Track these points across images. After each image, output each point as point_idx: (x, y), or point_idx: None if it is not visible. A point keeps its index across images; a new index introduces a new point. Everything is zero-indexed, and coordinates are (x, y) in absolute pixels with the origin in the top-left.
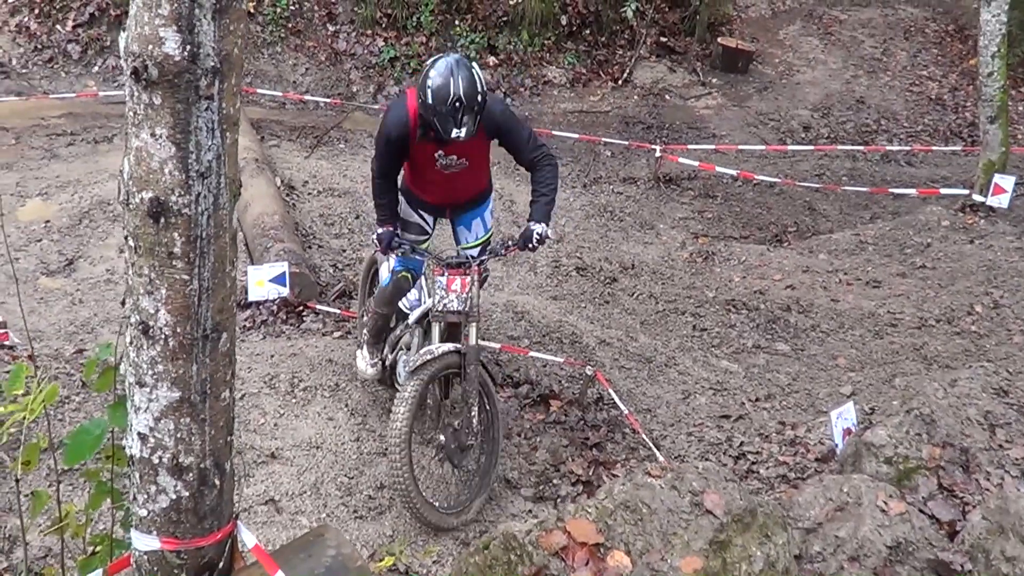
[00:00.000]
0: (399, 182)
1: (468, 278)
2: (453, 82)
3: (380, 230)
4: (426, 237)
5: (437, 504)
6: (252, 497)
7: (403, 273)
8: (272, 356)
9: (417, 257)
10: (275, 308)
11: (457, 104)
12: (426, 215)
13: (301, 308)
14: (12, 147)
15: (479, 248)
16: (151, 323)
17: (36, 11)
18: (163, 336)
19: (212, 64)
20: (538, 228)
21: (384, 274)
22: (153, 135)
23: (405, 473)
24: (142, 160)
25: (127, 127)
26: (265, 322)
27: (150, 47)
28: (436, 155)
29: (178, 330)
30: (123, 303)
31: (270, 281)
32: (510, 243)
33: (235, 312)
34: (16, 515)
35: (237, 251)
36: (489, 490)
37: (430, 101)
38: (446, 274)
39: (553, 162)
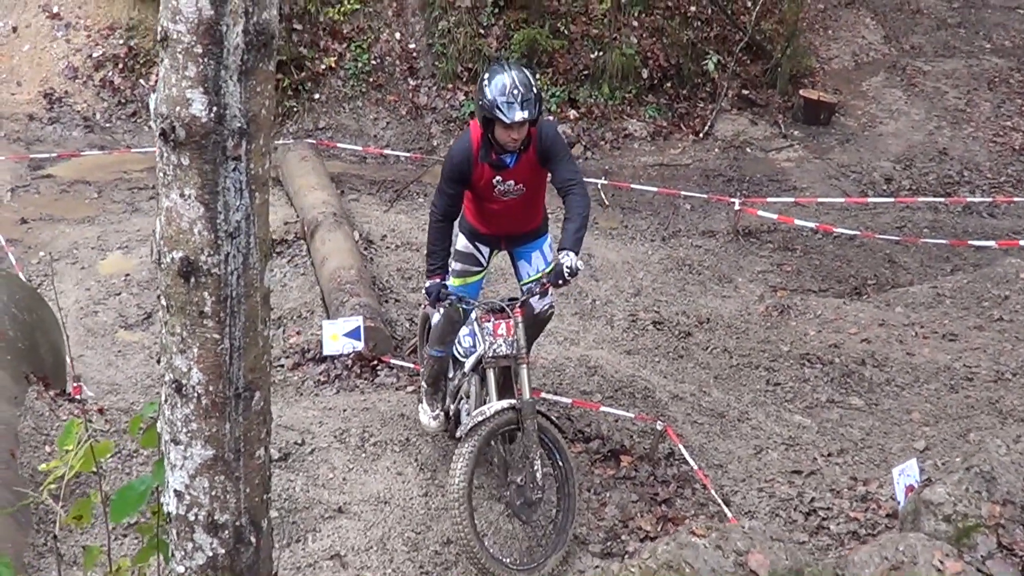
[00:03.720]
0: (458, 220)
1: (511, 320)
2: (508, 75)
3: (428, 283)
4: (480, 269)
5: (508, 561)
6: (318, 552)
7: (454, 304)
8: (344, 410)
9: (464, 307)
10: (349, 362)
11: (515, 92)
12: (482, 247)
13: (375, 362)
14: (94, 201)
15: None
16: (184, 381)
17: (120, 66)
18: (196, 394)
19: (239, 125)
20: (567, 260)
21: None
22: (182, 195)
23: (467, 529)
24: (172, 220)
25: (158, 187)
26: (339, 376)
27: (178, 108)
28: (494, 180)
29: (210, 388)
30: (158, 361)
31: (345, 335)
32: (544, 279)
33: (269, 371)
34: (76, 569)
35: (270, 311)
36: (566, 547)
37: (489, 95)
38: (491, 319)
39: (585, 192)
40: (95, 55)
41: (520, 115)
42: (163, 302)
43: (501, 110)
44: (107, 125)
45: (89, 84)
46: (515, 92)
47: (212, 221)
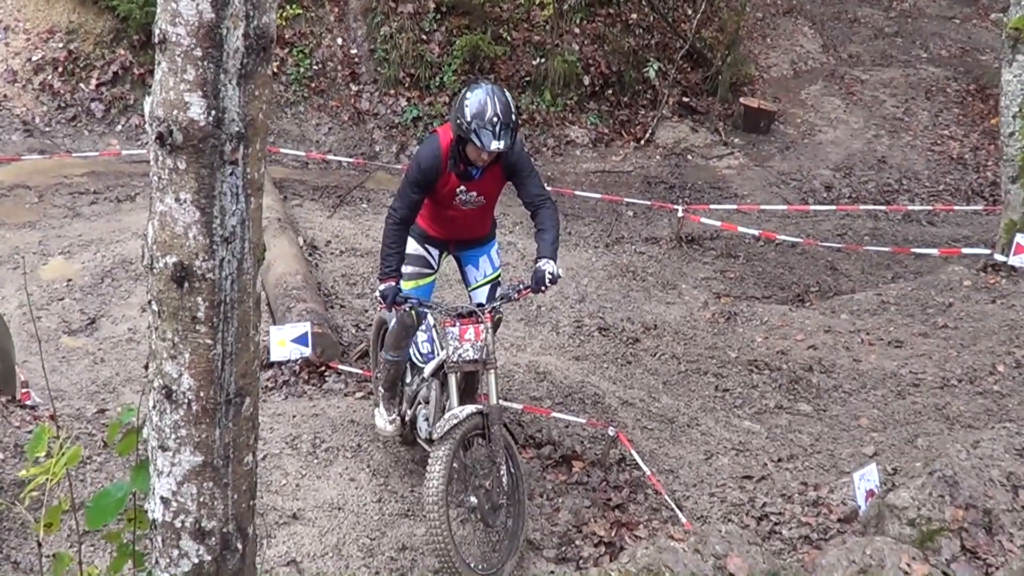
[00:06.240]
0: None
1: (481, 325)
2: (491, 102)
3: (383, 286)
4: (431, 272)
5: (473, 565)
6: (273, 559)
7: (413, 306)
8: (294, 416)
9: (424, 309)
10: (297, 368)
11: (495, 119)
12: (432, 249)
13: (323, 368)
14: (35, 205)
15: (489, 286)
16: (174, 387)
17: (60, 69)
18: (186, 400)
19: (237, 129)
20: (548, 267)
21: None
22: (178, 200)
23: (445, 533)
24: (166, 225)
25: (151, 191)
26: (287, 382)
27: (175, 112)
28: (458, 190)
29: (201, 394)
30: (146, 367)
31: (292, 341)
32: (521, 286)
33: (258, 377)
34: None
35: (260, 315)
36: (519, 552)
37: (469, 120)
38: (458, 324)
39: (554, 204)
40: (34, 58)
41: (496, 145)
42: (153, 307)
43: (478, 136)
44: (47, 129)
45: (28, 88)
46: (494, 120)
47: (208, 226)
